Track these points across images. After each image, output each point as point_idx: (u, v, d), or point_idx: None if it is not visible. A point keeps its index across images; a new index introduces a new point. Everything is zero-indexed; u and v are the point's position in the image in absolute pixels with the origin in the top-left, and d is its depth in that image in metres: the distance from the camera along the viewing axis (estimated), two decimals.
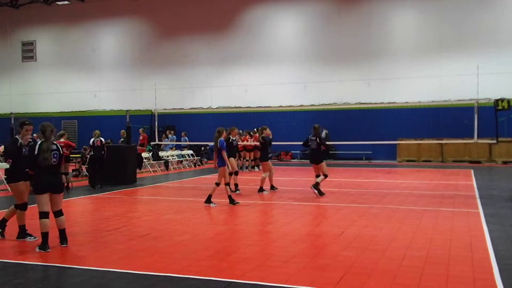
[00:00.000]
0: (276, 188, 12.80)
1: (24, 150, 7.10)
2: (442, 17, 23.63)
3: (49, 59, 31.12)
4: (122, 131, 21.35)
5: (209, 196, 10.49)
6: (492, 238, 7.00)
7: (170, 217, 9.21)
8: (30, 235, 7.21)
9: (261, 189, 12.37)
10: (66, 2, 29.91)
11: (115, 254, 6.37)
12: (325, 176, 11.78)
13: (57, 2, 29.92)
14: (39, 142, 6.65)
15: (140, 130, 21.28)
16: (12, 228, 7.40)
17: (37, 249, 6.46)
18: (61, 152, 6.80)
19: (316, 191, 11.61)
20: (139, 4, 28.90)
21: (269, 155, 12.64)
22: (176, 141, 23.94)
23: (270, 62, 26.27)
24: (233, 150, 13.11)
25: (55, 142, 6.77)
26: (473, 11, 23.12)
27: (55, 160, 6.67)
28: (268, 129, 12.81)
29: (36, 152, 6.58)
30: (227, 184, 10.67)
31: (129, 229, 7.97)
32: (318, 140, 11.87)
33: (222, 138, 10.57)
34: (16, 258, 6.27)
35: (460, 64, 22.90)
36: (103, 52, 29.88)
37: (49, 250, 6.41)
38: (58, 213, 6.74)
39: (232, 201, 10.42)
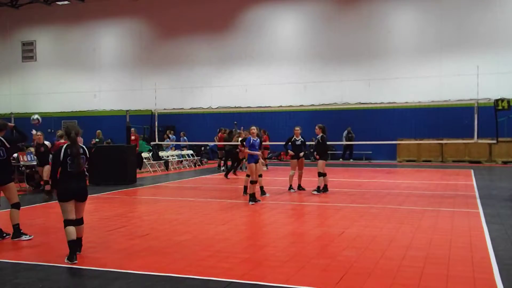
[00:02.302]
0: (294, 190, 12.77)
1: None
2: (442, 17, 23.63)
3: (49, 59, 31.12)
4: (98, 131, 21.22)
5: (251, 194, 10.80)
6: (492, 238, 7.00)
7: (170, 217, 9.22)
8: (25, 234, 7.22)
9: (290, 187, 12.79)
10: (66, 2, 29.91)
11: (115, 254, 6.37)
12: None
13: (57, 2, 29.92)
14: (64, 146, 6.22)
15: (132, 130, 20.84)
16: (10, 228, 7.40)
17: (65, 260, 5.96)
18: (88, 156, 6.37)
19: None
20: (139, 4, 28.91)
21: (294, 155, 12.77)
22: (176, 141, 23.91)
23: (270, 62, 26.28)
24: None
25: (82, 145, 6.39)
26: (473, 11, 23.13)
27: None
28: (298, 130, 12.78)
29: (61, 157, 6.13)
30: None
31: (129, 229, 7.97)
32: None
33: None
34: (16, 258, 6.27)
35: (460, 64, 22.91)
36: (103, 52, 29.88)
37: (76, 261, 5.92)
38: (79, 221, 6.36)
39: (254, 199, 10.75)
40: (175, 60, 28.06)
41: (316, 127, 12.51)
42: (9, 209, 7.40)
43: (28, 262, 6.04)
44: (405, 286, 4.98)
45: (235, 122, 22.04)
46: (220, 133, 21.00)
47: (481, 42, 22.85)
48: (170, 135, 24.40)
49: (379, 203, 10.57)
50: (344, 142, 23.44)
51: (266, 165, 20.49)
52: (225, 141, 19.90)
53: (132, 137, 20.40)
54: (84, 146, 6.36)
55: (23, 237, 7.18)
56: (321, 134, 12.35)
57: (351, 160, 24.54)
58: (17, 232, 7.20)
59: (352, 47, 24.83)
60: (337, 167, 21.11)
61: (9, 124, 7.69)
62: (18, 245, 7.00)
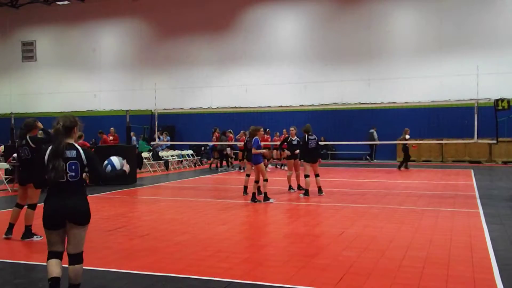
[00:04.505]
0: (294, 190, 12.71)
1: (20, 151, 7.13)
2: (442, 17, 23.64)
3: (49, 59, 31.11)
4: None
5: (265, 194, 10.82)
6: (492, 238, 6.99)
7: (170, 217, 9.21)
8: (36, 234, 7.21)
9: (290, 187, 12.72)
10: (66, 2, 29.92)
11: (115, 254, 6.37)
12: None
13: (57, 2, 29.94)
14: (51, 146, 4.36)
15: (112, 129, 20.00)
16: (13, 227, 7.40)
17: None
18: (85, 162, 4.36)
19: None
20: (139, 4, 28.91)
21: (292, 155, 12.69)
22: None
23: (270, 62, 26.28)
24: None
25: (75, 144, 4.46)
26: (473, 11, 23.13)
27: (73, 174, 4.31)
28: (293, 130, 12.77)
29: (46, 160, 4.28)
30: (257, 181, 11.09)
31: (129, 229, 7.97)
32: (317, 139, 12.00)
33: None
34: (16, 258, 6.27)
35: (460, 64, 22.91)
36: (103, 52, 29.89)
37: None
38: (74, 259, 4.35)
39: (254, 199, 10.88)
40: (175, 60, 28.06)
41: (303, 129, 12.40)
42: (13, 209, 7.42)
43: (28, 262, 6.04)
44: (405, 286, 4.97)
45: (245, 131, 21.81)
46: (216, 133, 20.74)
47: (481, 42, 22.85)
48: (160, 136, 23.87)
49: (379, 203, 10.57)
50: (352, 142, 23.30)
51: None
52: (221, 141, 19.84)
53: (111, 138, 19.30)
54: (80, 148, 4.44)
55: (35, 238, 7.18)
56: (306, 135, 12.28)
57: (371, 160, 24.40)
58: (29, 232, 7.20)
59: (352, 47, 24.82)
60: (337, 167, 21.11)
61: (39, 124, 7.55)
62: (19, 245, 7.00)
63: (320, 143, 12.37)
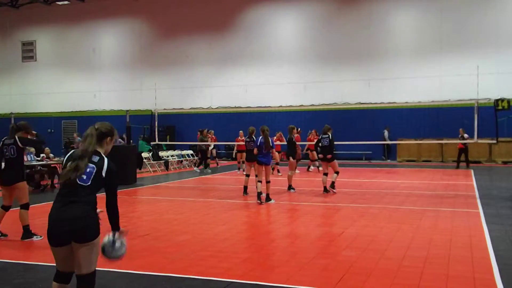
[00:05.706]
0: (294, 189, 12.73)
1: (5, 150, 7.14)
2: (442, 17, 23.63)
3: (49, 59, 31.11)
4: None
5: (267, 194, 10.83)
6: (492, 238, 6.99)
7: (170, 217, 9.22)
8: (35, 234, 7.21)
9: (289, 187, 12.74)
10: (66, 2, 29.91)
11: None
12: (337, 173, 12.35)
13: (57, 2, 29.93)
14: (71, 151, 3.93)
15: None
16: (12, 227, 7.40)
17: None
18: (104, 173, 3.77)
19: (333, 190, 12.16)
20: (139, 4, 28.91)
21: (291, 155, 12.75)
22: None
23: (270, 62, 26.27)
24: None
25: (102, 154, 3.88)
26: (473, 11, 23.12)
27: (84, 177, 3.71)
28: (295, 129, 12.93)
29: (65, 161, 3.86)
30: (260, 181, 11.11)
31: (129, 229, 7.96)
32: (330, 137, 12.16)
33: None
34: (16, 258, 6.26)
35: (460, 64, 22.90)
36: (103, 52, 29.88)
37: None
38: (82, 281, 3.66)
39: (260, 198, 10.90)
40: (175, 60, 28.05)
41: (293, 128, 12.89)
42: (17, 209, 7.38)
43: (28, 262, 6.04)
44: (405, 286, 4.98)
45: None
46: (209, 134, 20.40)
47: (481, 42, 22.84)
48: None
49: (379, 203, 10.57)
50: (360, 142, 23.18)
51: (309, 167, 19.46)
52: (200, 141, 19.63)
53: None
54: (106, 159, 3.87)
55: (34, 238, 7.17)
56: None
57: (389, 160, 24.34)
58: (28, 232, 7.20)
59: (352, 47, 24.82)
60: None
61: (32, 131, 7.54)
62: (19, 245, 7.00)
63: (335, 142, 12.52)
